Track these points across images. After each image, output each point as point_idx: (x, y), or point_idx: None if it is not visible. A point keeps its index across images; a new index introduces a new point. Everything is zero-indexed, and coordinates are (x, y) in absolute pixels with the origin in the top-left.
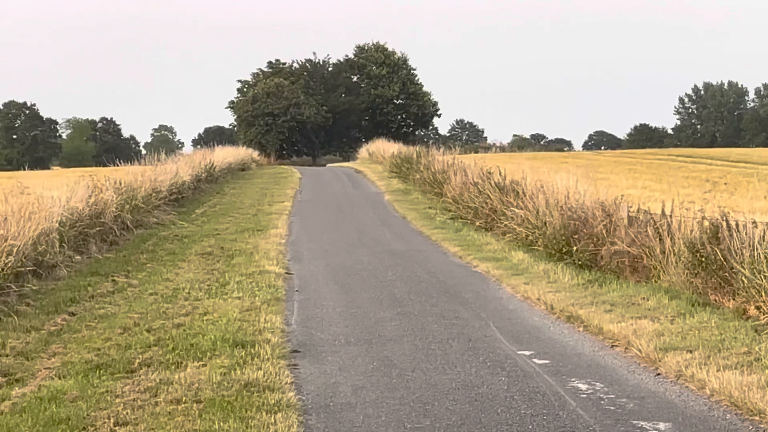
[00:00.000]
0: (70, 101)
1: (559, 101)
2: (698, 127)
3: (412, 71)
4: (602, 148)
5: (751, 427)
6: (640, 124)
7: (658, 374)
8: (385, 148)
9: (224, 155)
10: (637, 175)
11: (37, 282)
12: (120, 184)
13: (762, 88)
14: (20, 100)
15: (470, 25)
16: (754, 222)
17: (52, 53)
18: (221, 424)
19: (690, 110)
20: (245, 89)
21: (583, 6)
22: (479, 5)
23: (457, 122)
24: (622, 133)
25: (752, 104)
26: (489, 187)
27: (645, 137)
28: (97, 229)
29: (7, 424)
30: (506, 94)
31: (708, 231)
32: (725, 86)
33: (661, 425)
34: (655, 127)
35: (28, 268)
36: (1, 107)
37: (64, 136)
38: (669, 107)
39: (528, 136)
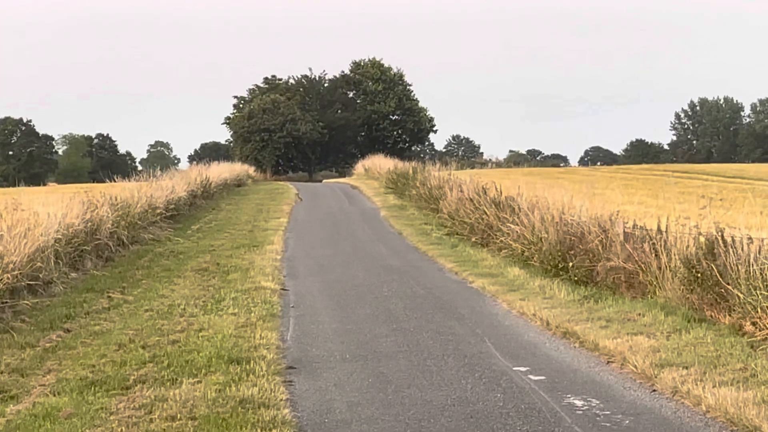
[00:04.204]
0: (66, 117)
1: (555, 117)
2: (694, 142)
3: (408, 87)
4: (598, 163)
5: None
6: (636, 140)
7: (654, 390)
8: (381, 163)
9: (220, 171)
10: (633, 191)
11: (33, 298)
12: (116, 200)
13: (758, 104)
14: (16, 116)
15: (467, 43)
16: (750, 238)
17: (48, 69)
18: None
19: (686, 126)
20: (241, 105)
21: (579, 25)
22: (476, 24)
23: (453, 138)
24: (618, 148)
25: (748, 120)
26: (485, 203)
27: (641, 153)
28: (93, 245)
29: None
30: (502, 110)
31: (704, 247)
32: (721, 102)
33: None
34: (651, 143)
35: (23, 284)
36: None
37: (60, 152)
38: (665, 123)
39: (524, 152)
